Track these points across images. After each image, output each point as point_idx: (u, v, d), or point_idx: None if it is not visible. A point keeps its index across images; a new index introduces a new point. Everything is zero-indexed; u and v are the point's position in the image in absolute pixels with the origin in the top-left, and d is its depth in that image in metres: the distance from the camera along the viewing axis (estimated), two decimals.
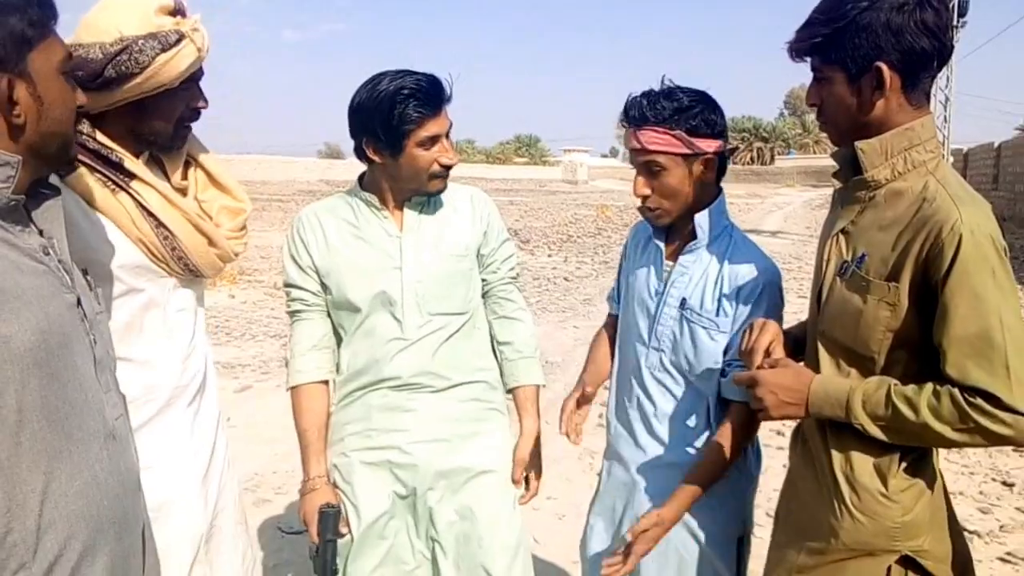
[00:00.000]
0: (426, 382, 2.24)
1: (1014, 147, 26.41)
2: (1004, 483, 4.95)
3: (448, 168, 2.20)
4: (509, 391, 2.41)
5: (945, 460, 5.28)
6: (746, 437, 2.00)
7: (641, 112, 1.96)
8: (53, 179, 1.48)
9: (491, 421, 2.35)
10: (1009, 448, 5.48)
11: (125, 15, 1.78)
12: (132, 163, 1.88)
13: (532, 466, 2.38)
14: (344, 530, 2.22)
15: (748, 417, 1.97)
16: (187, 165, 2.05)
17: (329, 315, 2.32)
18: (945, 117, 30.79)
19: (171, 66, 1.78)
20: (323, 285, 2.28)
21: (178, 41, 1.78)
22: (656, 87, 2.00)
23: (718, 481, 1.97)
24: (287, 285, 2.31)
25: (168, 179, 1.99)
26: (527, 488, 2.40)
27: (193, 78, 1.90)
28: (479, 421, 2.32)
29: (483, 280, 2.38)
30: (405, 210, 2.26)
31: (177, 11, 1.86)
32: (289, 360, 2.31)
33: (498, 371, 2.41)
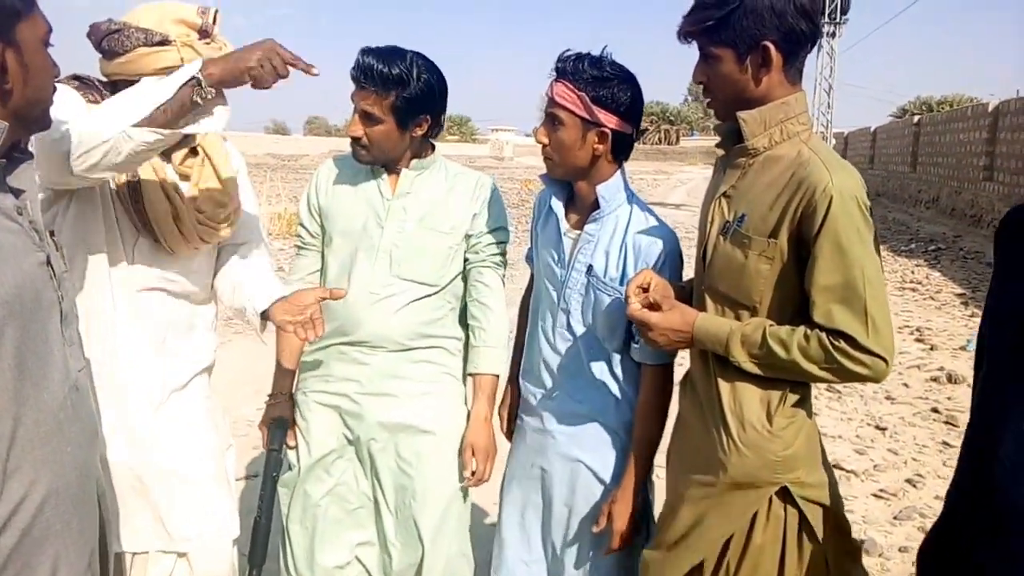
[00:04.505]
0: (382, 343, 2.21)
1: (887, 131, 27.25)
2: (877, 427, 5.12)
3: (352, 138, 2.17)
4: (469, 375, 2.31)
5: (826, 408, 5.45)
6: (665, 396, 2.00)
7: (565, 66, 1.94)
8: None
9: (443, 384, 2.29)
10: (882, 396, 5.68)
11: (149, 13, 1.93)
12: None
13: (480, 450, 2.24)
14: (292, 443, 2.29)
15: (662, 378, 1.99)
16: (195, 155, 2.08)
17: (323, 255, 2.33)
18: (829, 104, 31.60)
19: (147, 60, 1.86)
20: (322, 227, 2.31)
21: (161, 43, 1.87)
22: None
23: (651, 438, 2.00)
24: (299, 222, 2.38)
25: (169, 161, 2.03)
26: (474, 472, 2.25)
27: None
28: (431, 383, 2.27)
29: (466, 259, 2.30)
30: (400, 176, 2.24)
31: (203, 31, 1.94)
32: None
33: (463, 342, 2.34)
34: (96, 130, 1.62)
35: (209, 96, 1.66)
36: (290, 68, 1.67)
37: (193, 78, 1.63)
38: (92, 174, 1.68)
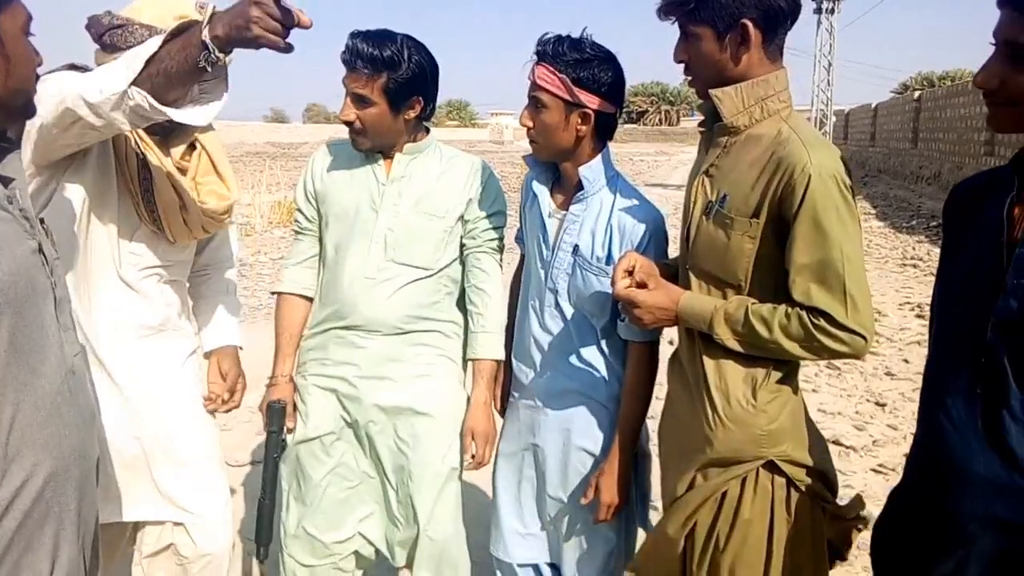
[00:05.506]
0: (378, 327, 2.23)
1: (888, 108, 27.13)
2: (877, 403, 5.14)
3: (344, 123, 2.17)
4: (468, 360, 2.33)
5: (826, 384, 5.47)
6: (651, 373, 2.03)
7: (545, 49, 1.95)
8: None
9: (440, 366, 2.30)
10: (882, 372, 5.70)
11: (149, 8, 1.94)
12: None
13: (480, 434, 2.26)
14: (290, 424, 2.31)
15: (648, 355, 2.02)
16: (193, 149, 2.12)
17: (320, 240, 2.35)
18: (829, 81, 31.40)
19: None
20: (319, 212, 2.32)
21: None
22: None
23: (637, 414, 2.03)
24: (297, 207, 2.38)
25: (168, 156, 2.06)
26: (473, 456, 2.28)
27: None
28: (428, 365, 2.29)
29: (463, 244, 2.30)
30: (394, 160, 2.24)
31: None
32: (282, 270, 2.42)
33: (460, 325, 2.36)
34: (100, 84, 1.61)
35: (218, 61, 1.55)
36: (286, 22, 1.52)
37: (202, 43, 1.53)
38: (105, 129, 1.68)
